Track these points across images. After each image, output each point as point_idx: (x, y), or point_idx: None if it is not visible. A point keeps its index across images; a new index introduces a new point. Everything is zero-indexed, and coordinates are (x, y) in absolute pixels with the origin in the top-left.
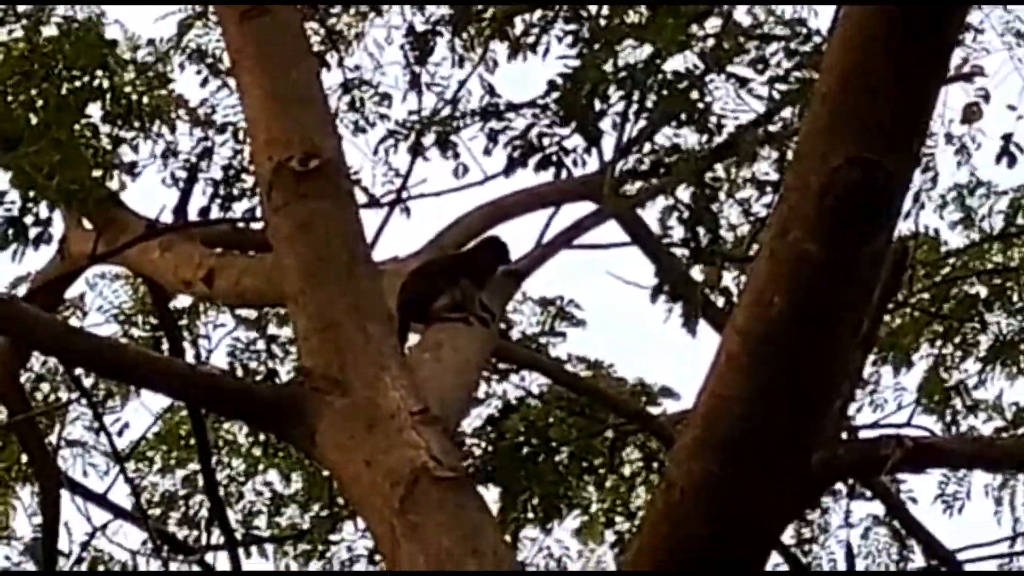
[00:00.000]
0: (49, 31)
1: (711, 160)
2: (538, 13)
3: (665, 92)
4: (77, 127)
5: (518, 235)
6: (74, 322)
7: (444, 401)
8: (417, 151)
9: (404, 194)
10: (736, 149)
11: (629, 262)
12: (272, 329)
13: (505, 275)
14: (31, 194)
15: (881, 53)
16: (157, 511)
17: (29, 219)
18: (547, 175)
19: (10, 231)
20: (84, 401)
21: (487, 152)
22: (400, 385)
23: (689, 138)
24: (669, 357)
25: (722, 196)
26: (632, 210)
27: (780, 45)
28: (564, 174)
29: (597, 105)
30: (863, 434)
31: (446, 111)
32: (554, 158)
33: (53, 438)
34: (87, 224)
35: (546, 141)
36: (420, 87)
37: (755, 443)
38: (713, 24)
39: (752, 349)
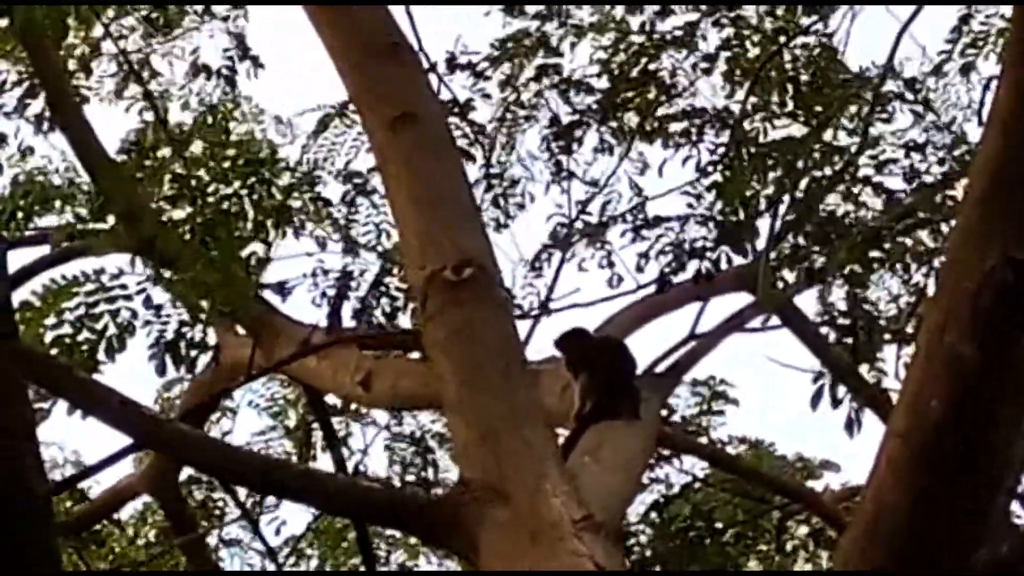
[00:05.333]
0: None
1: (865, 249)
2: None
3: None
4: (231, 239)
5: (672, 325)
6: (226, 423)
7: (606, 504)
8: (564, 261)
9: (556, 302)
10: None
11: (783, 344)
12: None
13: (664, 372)
14: (188, 316)
15: None
16: None
17: (184, 343)
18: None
19: (167, 356)
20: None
21: (640, 269)
22: (561, 492)
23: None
24: (831, 436)
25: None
26: (788, 301)
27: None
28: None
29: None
30: None
31: (593, 214)
32: (704, 269)
33: (212, 539)
34: (240, 330)
35: (696, 248)
36: (565, 179)
37: (918, 547)
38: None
39: (912, 453)
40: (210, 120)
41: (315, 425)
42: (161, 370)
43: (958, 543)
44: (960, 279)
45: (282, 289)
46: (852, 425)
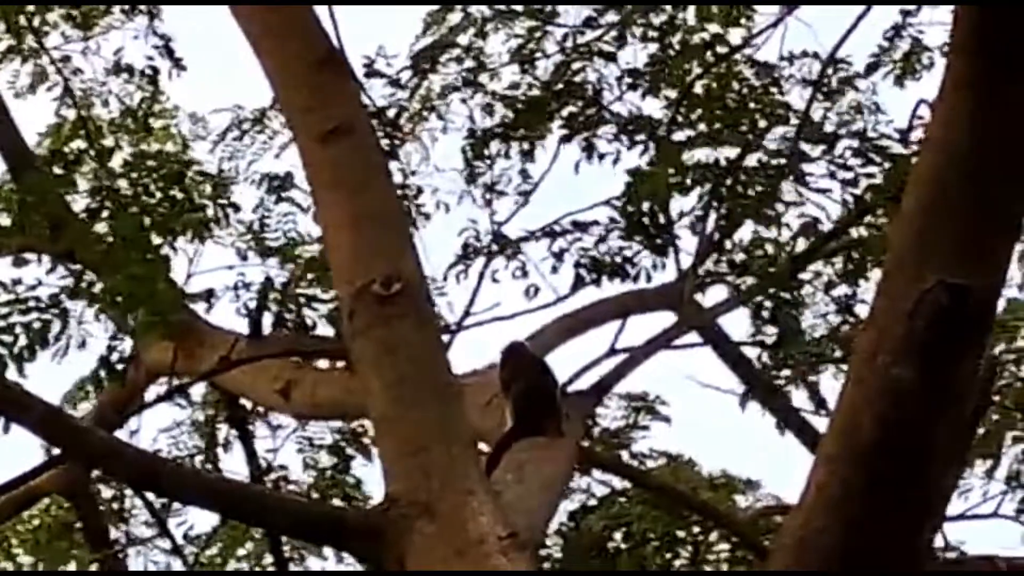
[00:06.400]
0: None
1: (791, 269)
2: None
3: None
4: (155, 250)
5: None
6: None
7: (529, 523)
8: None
9: (475, 316)
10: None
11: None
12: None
13: (587, 390)
14: (115, 330)
15: (966, 176)
16: None
17: (115, 356)
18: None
19: (102, 372)
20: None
21: (554, 270)
22: (487, 510)
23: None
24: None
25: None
26: (711, 320)
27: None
28: (639, 283)
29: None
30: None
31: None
32: (621, 272)
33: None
34: None
35: (614, 251)
36: (483, 189)
37: (848, 573)
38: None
39: (843, 478)
40: (130, 121)
41: (222, 426)
42: (98, 384)
43: (889, 569)
44: (895, 300)
45: (209, 297)
46: (781, 426)
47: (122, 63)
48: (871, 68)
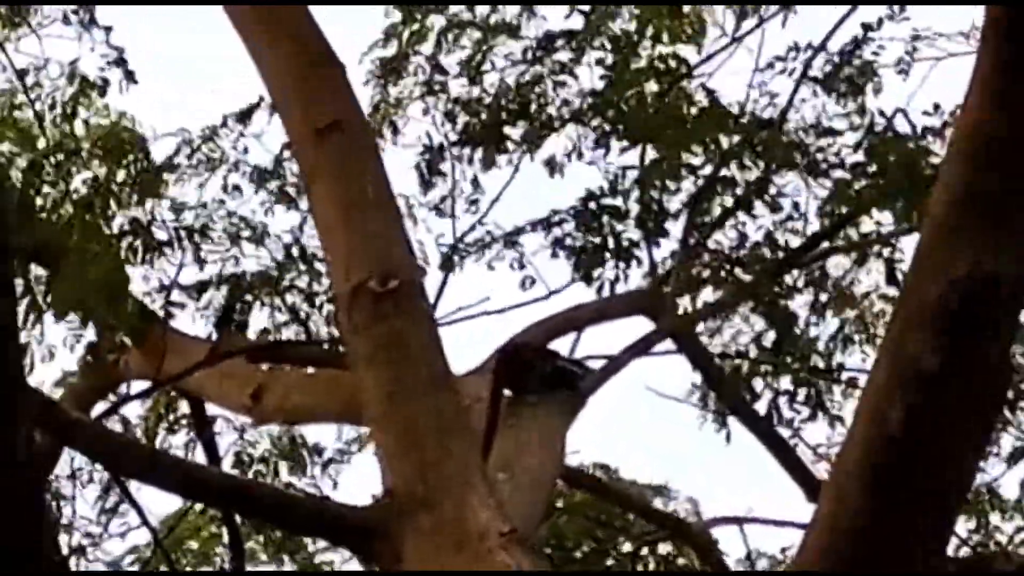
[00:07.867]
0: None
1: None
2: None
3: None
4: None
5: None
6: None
7: (524, 523)
8: (450, 266)
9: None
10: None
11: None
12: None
13: (570, 396)
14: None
15: (997, 163)
16: None
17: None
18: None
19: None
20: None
21: (554, 255)
22: (488, 504)
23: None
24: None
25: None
26: (690, 326)
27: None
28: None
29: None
30: None
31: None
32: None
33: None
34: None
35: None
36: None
37: (875, 564)
38: None
39: (870, 466)
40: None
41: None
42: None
43: (915, 559)
44: (924, 288)
45: (201, 291)
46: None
47: (76, 72)
48: (827, 83)
